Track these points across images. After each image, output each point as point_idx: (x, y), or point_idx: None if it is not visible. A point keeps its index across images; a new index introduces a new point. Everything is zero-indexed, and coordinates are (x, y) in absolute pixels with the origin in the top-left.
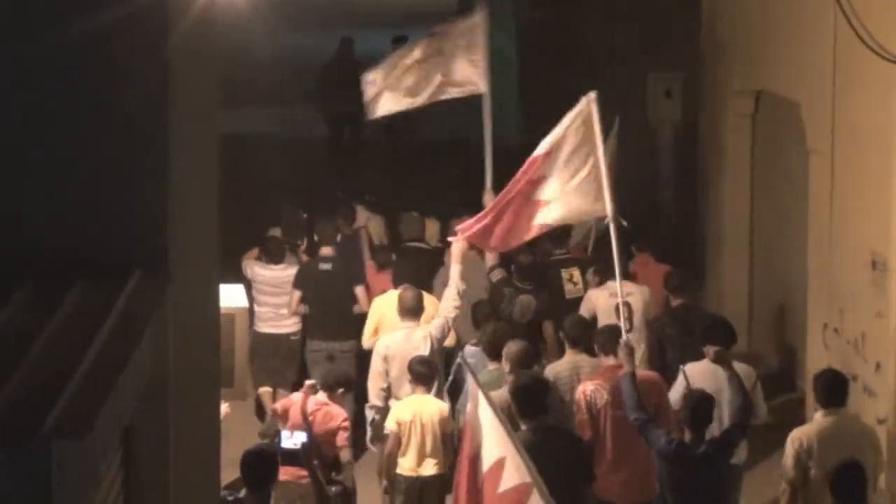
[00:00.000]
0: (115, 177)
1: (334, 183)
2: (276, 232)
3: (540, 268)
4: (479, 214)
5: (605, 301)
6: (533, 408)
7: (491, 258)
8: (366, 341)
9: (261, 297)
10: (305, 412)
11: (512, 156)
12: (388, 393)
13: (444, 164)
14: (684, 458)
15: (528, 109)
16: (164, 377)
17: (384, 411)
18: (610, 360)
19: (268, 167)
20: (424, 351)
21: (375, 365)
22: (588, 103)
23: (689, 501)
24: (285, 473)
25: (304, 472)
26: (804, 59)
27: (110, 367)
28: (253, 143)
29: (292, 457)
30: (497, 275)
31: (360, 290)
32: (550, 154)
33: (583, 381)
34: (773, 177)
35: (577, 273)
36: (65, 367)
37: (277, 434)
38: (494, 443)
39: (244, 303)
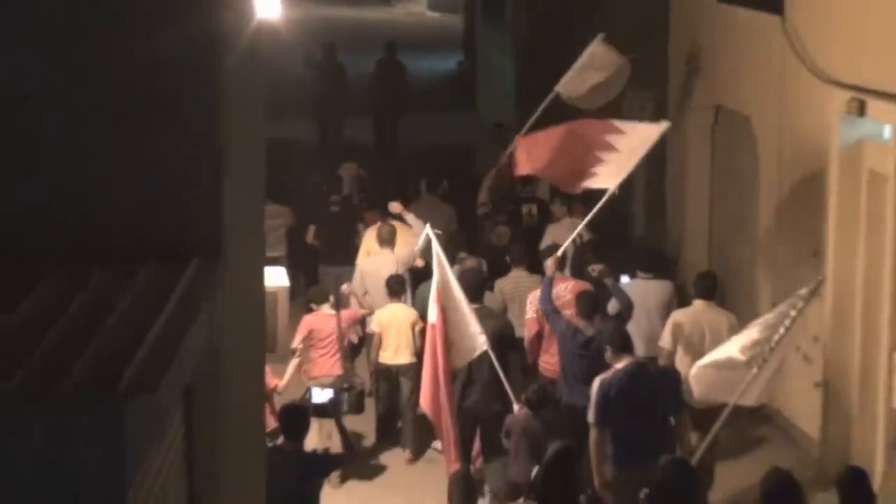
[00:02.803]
0: (178, 178)
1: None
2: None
3: (511, 202)
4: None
5: (563, 233)
6: (475, 292)
7: (483, 196)
8: (360, 260)
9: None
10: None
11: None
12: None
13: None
14: (576, 338)
15: (523, 122)
16: (218, 346)
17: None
18: (565, 279)
19: (290, 166)
20: (392, 271)
21: (356, 279)
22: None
23: (577, 371)
24: (315, 424)
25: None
26: (755, 79)
27: (173, 338)
28: (284, 146)
29: (322, 409)
30: (483, 209)
31: (361, 227)
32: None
33: (522, 293)
34: (729, 179)
35: (534, 208)
36: (135, 338)
37: (308, 391)
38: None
39: (285, 282)
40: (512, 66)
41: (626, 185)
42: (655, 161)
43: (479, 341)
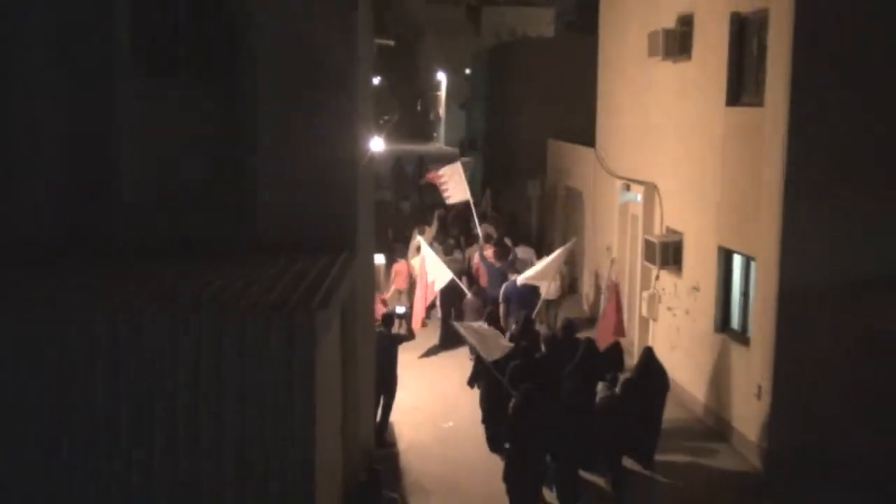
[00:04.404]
0: (338, 216)
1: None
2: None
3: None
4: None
5: (484, 230)
6: (452, 252)
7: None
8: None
9: None
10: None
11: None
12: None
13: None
14: (493, 268)
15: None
16: (354, 287)
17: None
18: (488, 247)
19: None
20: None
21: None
22: None
23: (493, 280)
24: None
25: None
26: (583, 175)
27: (335, 285)
28: (381, 202)
29: (400, 315)
30: (441, 214)
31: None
32: None
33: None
34: (573, 217)
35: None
36: (318, 285)
37: (395, 307)
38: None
39: (382, 261)
40: (480, 168)
41: (527, 211)
42: (541, 210)
43: (445, 277)
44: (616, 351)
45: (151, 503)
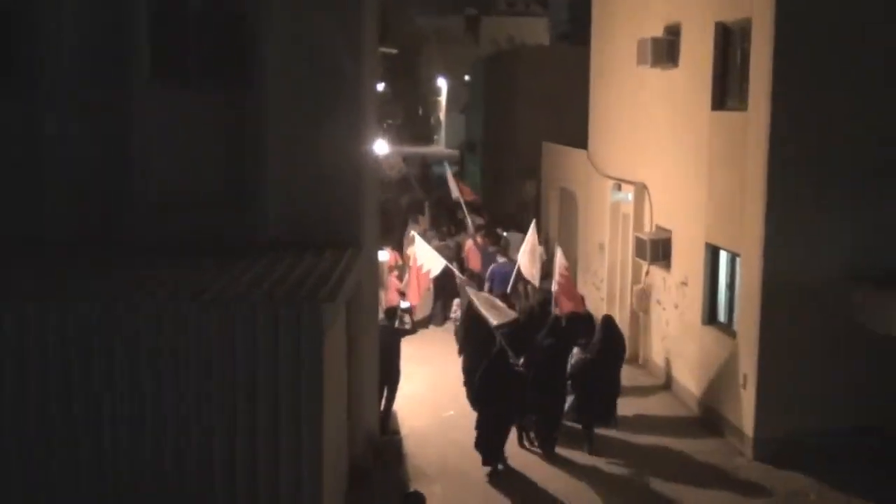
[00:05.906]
0: (345, 216)
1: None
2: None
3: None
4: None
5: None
6: (444, 238)
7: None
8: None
9: None
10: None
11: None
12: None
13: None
14: (485, 253)
15: (485, 191)
16: (359, 281)
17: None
18: (479, 235)
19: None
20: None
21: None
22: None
23: (484, 263)
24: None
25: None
26: (576, 176)
27: (341, 279)
28: (384, 202)
29: (403, 309)
30: (432, 207)
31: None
32: None
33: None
34: (566, 213)
35: (461, 212)
36: (325, 279)
37: (399, 302)
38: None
39: (387, 256)
40: (479, 170)
41: (524, 211)
42: (537, 206)
43: (439, 265)
44: (589, 320)
45: (168, 481)
